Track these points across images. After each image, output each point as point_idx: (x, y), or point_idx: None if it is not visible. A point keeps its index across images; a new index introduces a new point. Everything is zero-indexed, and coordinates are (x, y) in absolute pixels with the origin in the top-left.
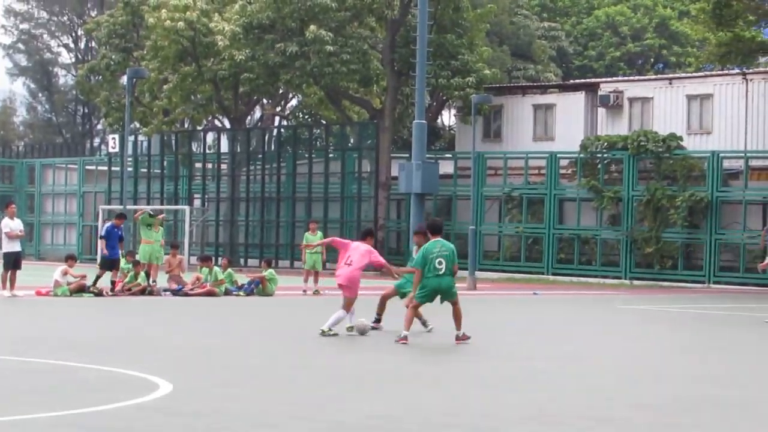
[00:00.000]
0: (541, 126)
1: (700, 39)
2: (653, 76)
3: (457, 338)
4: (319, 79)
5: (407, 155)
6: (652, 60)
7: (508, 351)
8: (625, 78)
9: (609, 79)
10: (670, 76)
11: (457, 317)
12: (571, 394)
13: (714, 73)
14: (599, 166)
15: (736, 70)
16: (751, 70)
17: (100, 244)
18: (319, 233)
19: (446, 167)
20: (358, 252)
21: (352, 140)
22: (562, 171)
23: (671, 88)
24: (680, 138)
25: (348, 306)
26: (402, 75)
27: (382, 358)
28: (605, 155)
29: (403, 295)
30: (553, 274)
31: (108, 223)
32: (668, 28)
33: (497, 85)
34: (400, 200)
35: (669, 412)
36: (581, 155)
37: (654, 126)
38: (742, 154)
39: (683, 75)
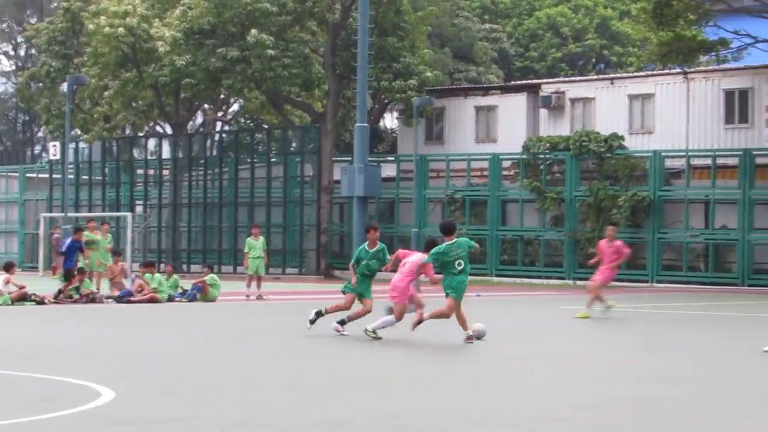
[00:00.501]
0: (483, 128)
1: (641, 39)
2: (595, 77)
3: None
4: (261, 84)
5: (350, 159)
6: (593, 60)
7: (450, 353)
8: (567, 79)
9: (551, 80)
10: (612, 76)
11: (460, 320)
12: (514, 395)
13: (655, 72)
14: (542, 167)
15: (677, 70)
16: (692, 70)
17: (59, 260)
18: (262, 238)
19: (389, 170)
20: (411, 261)
21: (294, 144)
22: (505, 172)
23: (613, 88)
24: (622, 138)
25: (398, 314)
26: (344, 78)
27: (332, 360)
28: (547, 156)
29: (360, 296)
30: (497, 276)
31: (68, 239)
32: (609, 29)
33: (439, 88)
34: (342, 204)
35: (609, 411)
36: (524, 156)
37: (596, 126)
38: (684, 153)
39: (625, 75)
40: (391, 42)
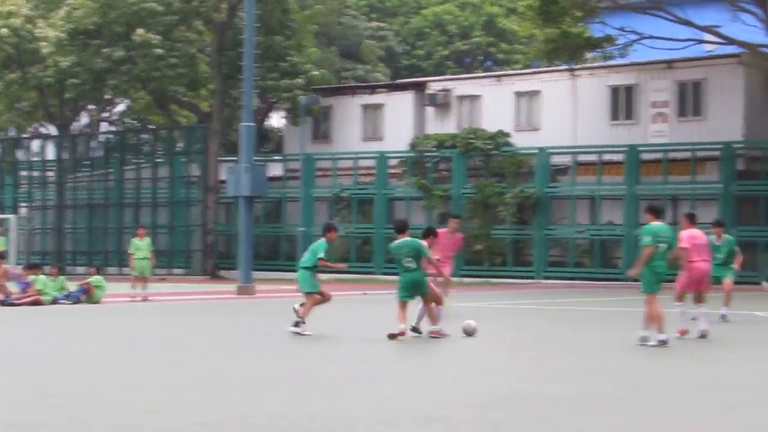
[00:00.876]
0: (370, 126)
1: (528, 36)
2: (481, 74)
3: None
4: (147, 84)
5: (236, 158)
6: (480, 58)
7: (333, 353)
8: (454, 76)
9: (437, 78)
10: (499, 73)
11: (430, 314)
12: (398, 394)
13: (541, 69)
14: (428, 164)
15: (564, 67)
16: (578, 66)
17: None
18: (147, 239)
19: (276, 169)
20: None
21: (180, 144)
22: (392, 170)
23: (499, 86)
24: (509, 135)
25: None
26: (230, 78)
27: (221, 360)
28: (434, 154)
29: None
30: (384, 274)
31: None
32: (496, 26)
33: (326, 86)
34: (229, 204)
35: (495, 408)
36: (410, 154)
37: (483, 123)
38: (570, 150)
39: (511, 72)
40: (278, 41)
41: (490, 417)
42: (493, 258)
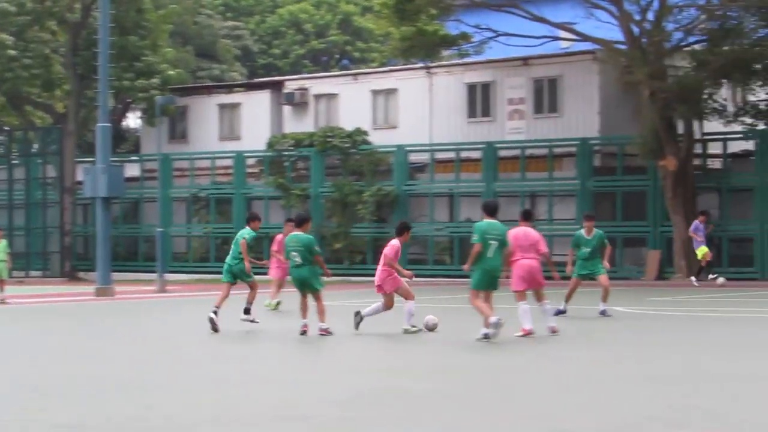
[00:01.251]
0: (227, 125)
1: (384, 34)
2: (338, 73)
3: (320, 329)
4: (0, 85)
5: (92, 159)
6: (336, 56)
7: (194, 352)
8: (310, 75)
9: (294, 77)
10: (355, 71)
11: (319, 311)
12: (259, 393)
13: (398, 67)
14: (286, 164)
15: (420, 65)
16: (434, 64)
17: None
18: (4, 241)
19: (133, 170)
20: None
21: (35, 146)
22: (250, 170)
23: (356, 84)
24: (366, 133)
25: (397, 301)
26: (85, 78)
27: (78, 361)
28: (292, 153)
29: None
30: None
31: None
32: (352, 24)
33: (182, 86)
34: (86, 205)
35: (356, 406)
36: (268, 154)
37: (340, 122)
38: (428, 148)
39: (368, 70)
40: (133, 41)
41: (350, 415)
42: (353, 256)
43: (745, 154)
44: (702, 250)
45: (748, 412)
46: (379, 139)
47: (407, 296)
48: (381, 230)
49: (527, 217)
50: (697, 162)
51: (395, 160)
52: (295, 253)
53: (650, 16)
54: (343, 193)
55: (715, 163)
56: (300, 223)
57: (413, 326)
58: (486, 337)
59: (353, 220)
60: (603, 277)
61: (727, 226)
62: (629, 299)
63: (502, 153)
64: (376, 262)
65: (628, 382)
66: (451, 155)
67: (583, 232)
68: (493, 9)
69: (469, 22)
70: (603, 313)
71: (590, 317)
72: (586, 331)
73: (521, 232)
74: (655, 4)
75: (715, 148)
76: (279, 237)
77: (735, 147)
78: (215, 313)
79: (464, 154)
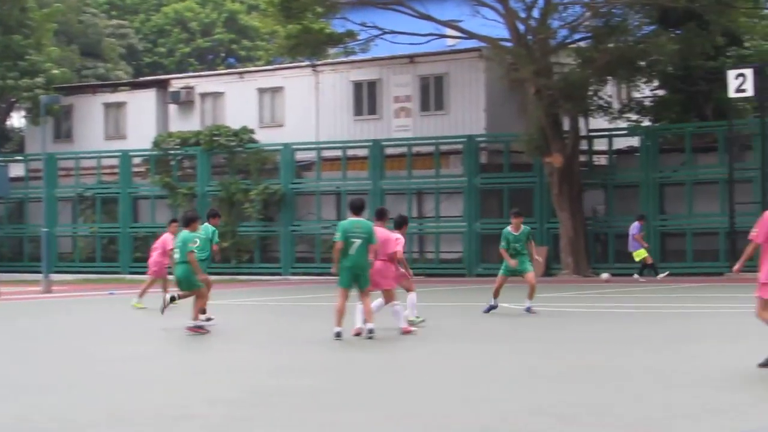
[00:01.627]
0: (113, 124)
1: (270, 32)
2: (224, 71)
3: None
4: None
5: None
6: (222, 55)
7: (84, 352)
8: (196, 74)
9: (180, 75)
10: (241, 70)
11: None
12: (146, 393)
13: (284, 66)
14: (172, 162)
15: (306, 62)
16: (320, 62)
17: None
18: None
19: (17, 170)
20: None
21: None
22: (136, 169)
23: (242, 82)
24: (252, 131)
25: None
26: None
27: None
28: (178, 152)
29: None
30: (130, 273)
31: None
32: (237, 23)
33: (67, 85)
34: None
35: (243, 405)
36: (154, 153)
37: (226, 120)
38: (315, 146)
39: (254, 69)
40: (17, 40)
41: (238, 414)
42: (240, 255)
43: (630, 151)
44: (641, 253)
45: (633, 405)
46: (265, 137)
47: (410, 288)
48: (268, 229)
49: (381, 216)
50: (582, 159)
51: (282, 158)
52: (176, 250)
53: (536, 13)
54: (230, 192)
55: (601, 160)
56: (187, 222)
57: (418, 317)
58: (337, 336)
59: (240, 218)
60: (530, 275)
61: (612, 222)
62: (518, 296)
63: (389, 151)
64: (263, 260)
65: (517, 378)
66: (338, 153)
67: (510, 228)
68: (379, 7)
69: (355, 20)
70: (528, 310)
71: (479, 314)
72: (476, 327)
73: (378, 233)
74: (541, 2)
75: (600, 144)
76: (164, 236)
77: (620, 143)
78: (173, 299)
79: (351, 152)
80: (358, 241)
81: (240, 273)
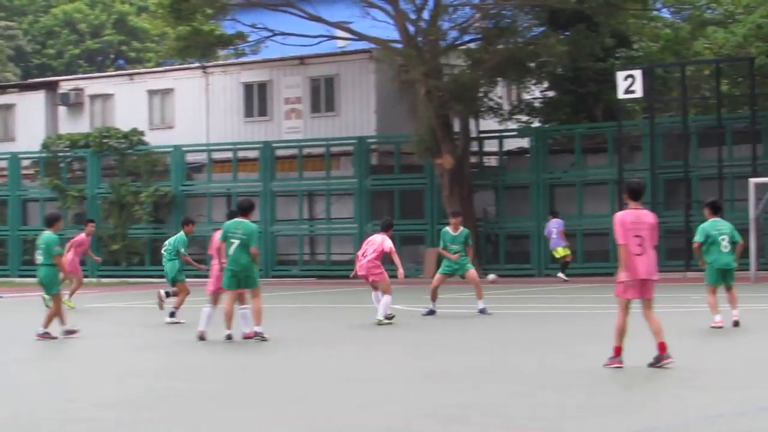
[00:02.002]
0: (1, 126)
1: (160, 34)
2: (114, 73)
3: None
4: None
5: None
6: (112, 56)
7: None
8: (86, 75)
9: (69, 77)
10: (131, 71)
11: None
12: (35, 397)
13: (174, 67)
14: (62, 165)
15: (196, 64)
16: (210, 64)
17: None
18: None
19: None
20: (373, 244)
21: None
22: (25, 171)
23: (132, 84)
24: (143, 133)
25: (387, 290)
26: None
27: None
28: (68, 154)
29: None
30: (20, 276)
31: None
32: (127, 24)
33: None
34: None
35: (134, 408)
36: (43, 155)
37: (116, 122)
38: (205, 148)
39: (144, 70)
40: None
41: (128, 417)
42: (130, 257)
43: (520, 152)
44: (562, 251)
45: (526, 405)
46: (155, 139)
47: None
48: (158, 231)
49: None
50: (473, 160)
51: (172, 160)
52: (39, 251)
53: (426, 15)
54: (120, 195)
55: (491, 161)
56: (50, 222)
57: (389, 315)
58: (228, 338)
59: (130, 221)
60: (471, 273)
61: (503, 223)
62: (409, 297)
63: (280, 152)
64: (153, 263)
65: (407, 380)
66: (229, 155)
67: (449, 229)
68: (269, 8)
69: (245, 22)
70: (482, 311)
71: (373, 317)
72: (369, 329)
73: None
74: (431, 4)
75: (491, 146)
76: (79, 237)
77: (510, 145)
78: (167, 294)
79: (241, 154)
80: (236, 242)
81: (130, 276)
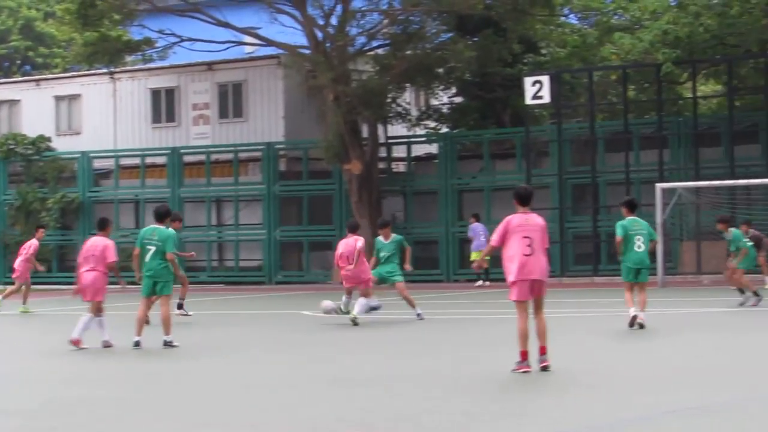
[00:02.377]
0: None
1: (67, 40)
2: (20, 78)
3: None
4: None
5: None
6: (18, 62)
7: None
8: None
9: None
10: (38, 77)
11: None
12: None
13: (81, 73)
14: None
15: (104, 70)
16: (118, 69)
17: None
18: None
19: None
20: (352, 248)
21: None
22: None
23: (39, 90)
24: (50, 139)
25: (368, 294)
26: None
27: None
28: None
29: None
30: None
31: None
32: (34, 30)
33: None
34: None
35: (42, 416)
36: None
37: (23, 128)
38: (112, 154)
39: (51, 76)
40: None
41: (38, 425)
42: (37, 264)
43: (428, 158)
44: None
45: (434, 411)
46: (63, 145)
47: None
48: (66, 237)
49: (102, 226)
50: (382, 165)
51: (79, 166)
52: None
53: (334, 20)
54: (27, 201)
55: (400, 167)
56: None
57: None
58: (136, 345)
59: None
60: (399, 285)
61: (411, 228)
62: (316, 304)
63: (188, 158)
64: (61, 269)
65: (319, 385)
66: (136, 161)
67: (381, 238)
68: (177, 14)
69: (152, 28)
70: (419, 316)
71: (280, 323)
72: (277, 335)
73: (93, 242)
74: (339, 9)
75: (399, 151)
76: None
77: (419, 150)
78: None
79: (149, 160)
80: (152, 249)
81: (37, 282)
